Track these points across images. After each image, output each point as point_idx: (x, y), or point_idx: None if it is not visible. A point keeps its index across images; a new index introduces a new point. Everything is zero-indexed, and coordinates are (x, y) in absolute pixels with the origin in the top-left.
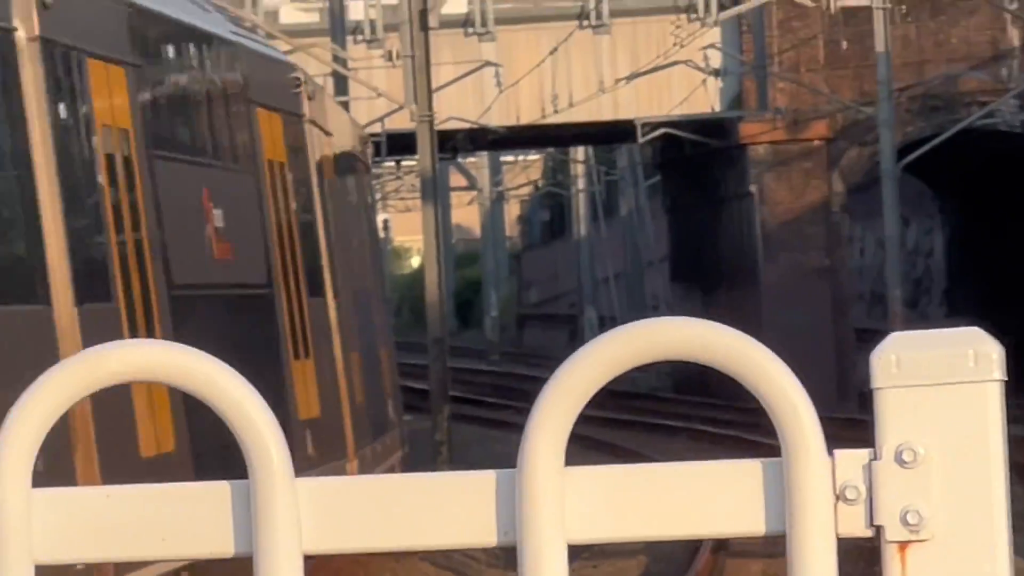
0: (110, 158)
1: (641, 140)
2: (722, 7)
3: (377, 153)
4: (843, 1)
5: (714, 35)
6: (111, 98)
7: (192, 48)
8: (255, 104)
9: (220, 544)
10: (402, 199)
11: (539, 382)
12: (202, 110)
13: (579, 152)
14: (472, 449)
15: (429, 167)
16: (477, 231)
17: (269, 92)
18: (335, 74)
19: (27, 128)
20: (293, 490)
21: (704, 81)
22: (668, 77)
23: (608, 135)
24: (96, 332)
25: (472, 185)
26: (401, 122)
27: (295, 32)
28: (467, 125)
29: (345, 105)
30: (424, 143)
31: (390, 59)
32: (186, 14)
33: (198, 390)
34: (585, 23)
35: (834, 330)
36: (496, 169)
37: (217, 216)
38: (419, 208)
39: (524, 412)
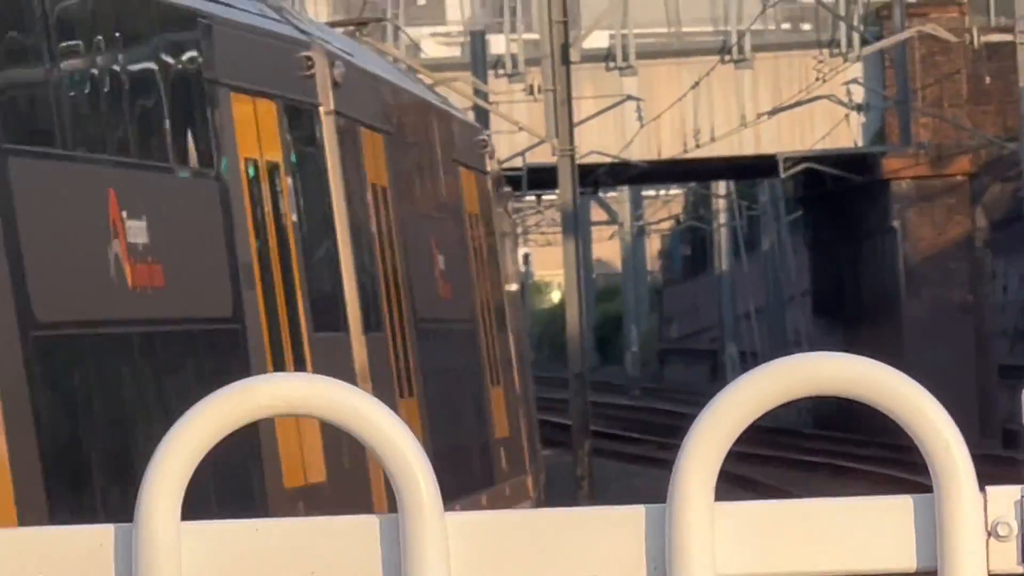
0: (377, 212)
1: (783, 175)
2: (865, 42)
3: (518, 187)
4: (986, 36)
5: (856, 70)
6: (375, 161)
7: (421, 116)
8: (460, 164)
9: None
10: (543, 233)
11: (680, 417)
12: (431, 170)
13: (721, 186)
14: (613, 484)
15: (570, 201)
16: (618, 265)
17: (467, 153)
18: (476, 108)
19: (328, 187)
20: (443, 524)
21: (846, 116)
22: (810, 112)
23: (750, 170)
24: (373, 357)
25: (613, 219)
26: (542, 156)
27: (437, 66)
28: (608, 159)
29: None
30: (565, 177)
31: (532, 93)
32: (415, 87)
33: (347, 424)
34: (727, 57)
35: (976, 366)
36: (637, 203)
37: (441, 261)
38: (560, 242)
39: (665, 447)
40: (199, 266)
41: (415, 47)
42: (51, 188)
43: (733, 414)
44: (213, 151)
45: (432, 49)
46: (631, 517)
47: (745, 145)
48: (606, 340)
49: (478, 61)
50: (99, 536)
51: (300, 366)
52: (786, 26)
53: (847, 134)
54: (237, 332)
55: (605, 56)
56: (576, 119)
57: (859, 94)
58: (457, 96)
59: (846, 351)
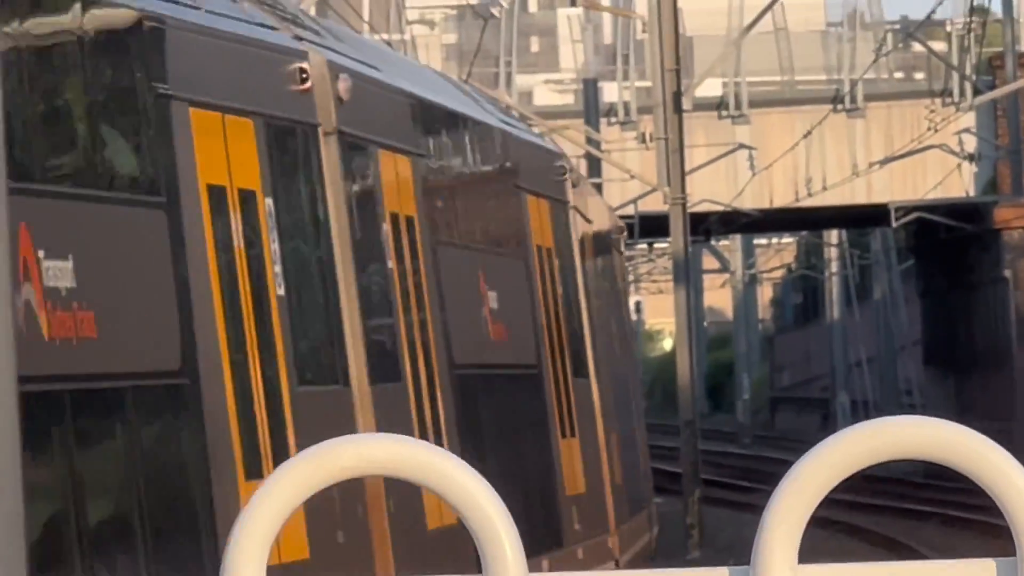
0: (398, 244)
1: (895, 224)
2: (977, 91)
3: (630, 235)
4: None
5: (969, 119)
6: (398, 187)
7: (466, 137)
8: (524, 191)
9: None
10: (654, 281)
11: (790, 466)
12: (478, 197)
13: (832, 235)
14: (723, 533)
15: (682, 249)
16: (729, 314)
17: (537, 179)
18: (589, 156)
19: (327, 216)
20: None
21: (959, 165)
22: (922, 161)
23: (862, 218)
24: (387, 410)
25: (725, 267)
26: (654, 204)
27: (549, 114)
28: (720, 207)
29: (599, 187)
30: (677, 225)
31: (644, 141)
32: (460, 104)
33: (432, 485)
34: (840, 106)
35: None
36: (749, 252)
37: (492, 298)
38: (671, 290)
39: None
40: (138, 312)
41: (528, 95)
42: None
43: (817, 478)
44: (160, 176)
45: (545, 97)
46: None
47: (857, 194)
48: (717, 388)
49: (591, 109)
50: None
51: (277, 423)
52: (899, 75)
53: (959, 183)
54: (186, 388)
55: (718, 104)
56: (688, 167)
57: (971, 143)
58: (570, 144)
59: (957, 401)
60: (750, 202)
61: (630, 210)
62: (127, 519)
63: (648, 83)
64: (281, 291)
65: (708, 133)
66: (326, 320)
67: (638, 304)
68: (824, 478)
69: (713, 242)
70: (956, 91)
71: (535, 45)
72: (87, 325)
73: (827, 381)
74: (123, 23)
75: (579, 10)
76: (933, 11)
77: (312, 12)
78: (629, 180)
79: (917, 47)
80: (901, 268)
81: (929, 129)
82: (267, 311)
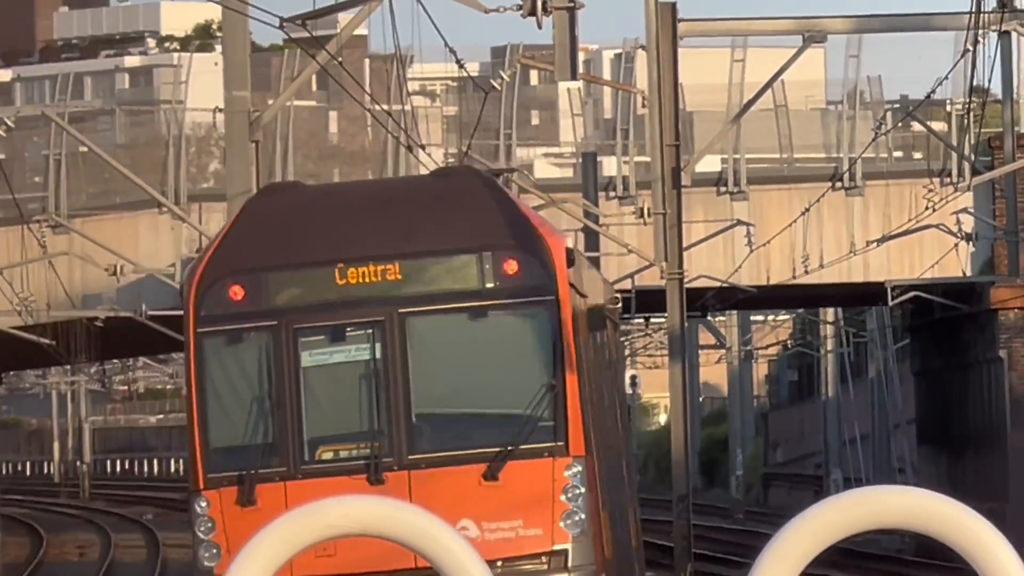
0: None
1: (891, 302)
2: (976, 172)
3: (627, 310)
4: None
5: (967, 199)
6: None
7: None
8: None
9: None
10: (650, 355)
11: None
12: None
13: (829, 313)
14: None
15: (678, 325)
16: (725, 389)
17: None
18: (587, 229)
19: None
20: None
21: (956, 245)
22: (920, 240)
23: (858, 297)
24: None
25: (721, 343)
26: (651, 279)
27: (548, 186)
28: (717, 283)
29: (596, 260)
30: (673, 301)
31: (642, 216)
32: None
33: (418, 546)
34: (838, 184)
35: None
36: (745, 328)
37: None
38: (667, 365)
39: None
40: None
41: (528, 167)
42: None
43: (800, 544)
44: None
45: (544, 170)
46: None
47: (854, 272)
48: (711, 463)
49: (589, 183)
50: None
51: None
52: (898, 154)
53: (956, 263)
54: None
55: (716, 180)
56: (686, 242)
57: (969, 223)
58: (568, 217)
59: (950, 480)
60: (747, 278)
61: (627, 284)
62: None
63: (647, 158)
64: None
65: (706, 209)
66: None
67: (634, 378)
68: (807, 546)
69: (709, 318)
70: (955, 171)
71: (535, 118)
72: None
73: (821, 458)
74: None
75: (580, 84)
76: (933, 91)
77: (314, 84)
78: (627, 254)
79: (916, 126)
80: (896, 347)
81: (927, 208)
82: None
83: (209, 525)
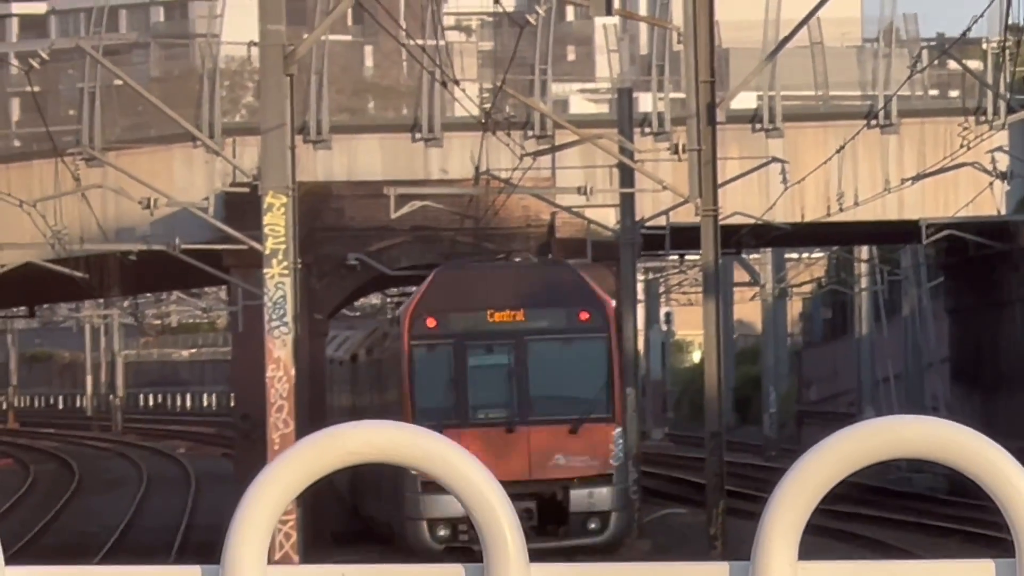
0: None
1: (925, 241)
2: (1011, 110)
3: (661, 246)
4: None
5: (1002, 138)
6: None
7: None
8: None
9: None
10: (684, 293)
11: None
12: None
13: (863, 251)
14: (746, 544)
15: (712, 262)
16: (759, 327)
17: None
18: (621, 165)
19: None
20: (527, 575)
21: (991, 183)
22: (954, 178)
23: (892, 235)
24: None
25: (755, 281)
26: (686, 215)
27: (583, 122)
28: (752, 220)
29: (631, 197)
30: (708, 238)
31: (676, 152)
32: None
33: (435, 472)
34: (873, 122)
35: None
36: (780, 266)
37: None
38: (701, 302)
39: None
40: None
41: (563, 103)
42: None
43: (818, 475)
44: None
45: (580, 105)
46: (715, 573)
47: (888, 210)
48: (745, 401)
49: (624, 119)
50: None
51: None
52: (933, 92)
53: (991, 202)
54: None
55: (751, 117)
56: (721, 179)
57: (1004, 162)
58: (603, 153)
59: (984, 418)
60: (782, 216)
61: (662, 221)
62: None
63: (683, 94)
64: None
65: (741, 146)
66: None
67: (668, 315)
68: (825, 474)
69: (744, 255)
70: (990, 109)
71: (571, 54)
72: None
73: (854, 396)
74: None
75: (616, 20)
76: (968, 29)
77: (349, 19)
78: (661, 191)
79: (952, 64)
80: (931, 285)
81: (962, 147)
82: None
83: None
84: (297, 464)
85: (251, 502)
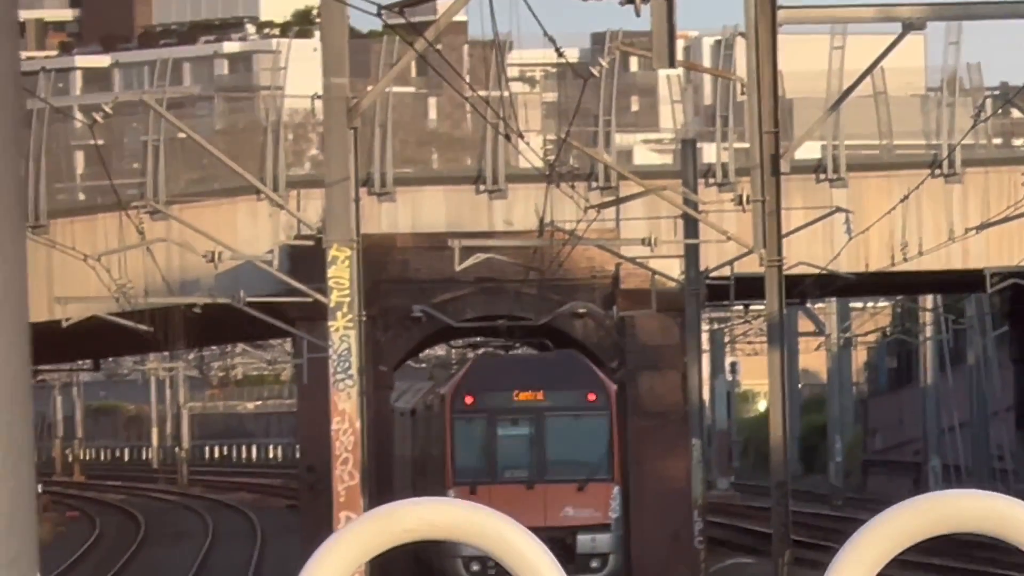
0: None
1: (990, 289)
2: None
3: (725, 297)
4: None
5: None
6: None
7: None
8: None
9: None
10: (750, 343)
11: (848, 538)
12: None
13: (928, 300)
14: None
15: (776, 312)
16: (824, 376)
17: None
18: (685, 216)
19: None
20: None
21: None
22: (1019, 227)
23: (957, 284)
24: None
25: (820, 330)
26: (750, 265)
27: (647, 173)
28: (816, 270)
29: (695, 248)
30: (772, 288)
31: (740, 203)
32: None
33: (493, 550)
34: (937, 171)
35: None
36: (844, 315)
37: None
38: (766, 352)
39: None
40: None
41: (627, 154)
42: None
43: (875, 549)
44: None
45: (644, 156)
46: None
47: (953, 259)
48: (811, 450)
49: (688, 169)
50: None
51: None
52: (997, 141)
53: None
54: None
55: (815, 167)
56: (785, 229)
57: None
58: (667, 205)
59: None
60: (846, 265)
61: (726, 271)
62: None
63: (746, 144)
64: None
65: (805, 195)
66: None
67: (733, 365)
68: (881, 550)
69: (808, 304)
70: None
71: (635, 104)
72: None
73: (919, 445)
74: None
75: (679, 70)
76: None
77: (412, 70)
78: (726, 241)
79: (1016, 113)
80: (995, 334)
81: None
82: None
83: None
84: (353, 542)
85: None
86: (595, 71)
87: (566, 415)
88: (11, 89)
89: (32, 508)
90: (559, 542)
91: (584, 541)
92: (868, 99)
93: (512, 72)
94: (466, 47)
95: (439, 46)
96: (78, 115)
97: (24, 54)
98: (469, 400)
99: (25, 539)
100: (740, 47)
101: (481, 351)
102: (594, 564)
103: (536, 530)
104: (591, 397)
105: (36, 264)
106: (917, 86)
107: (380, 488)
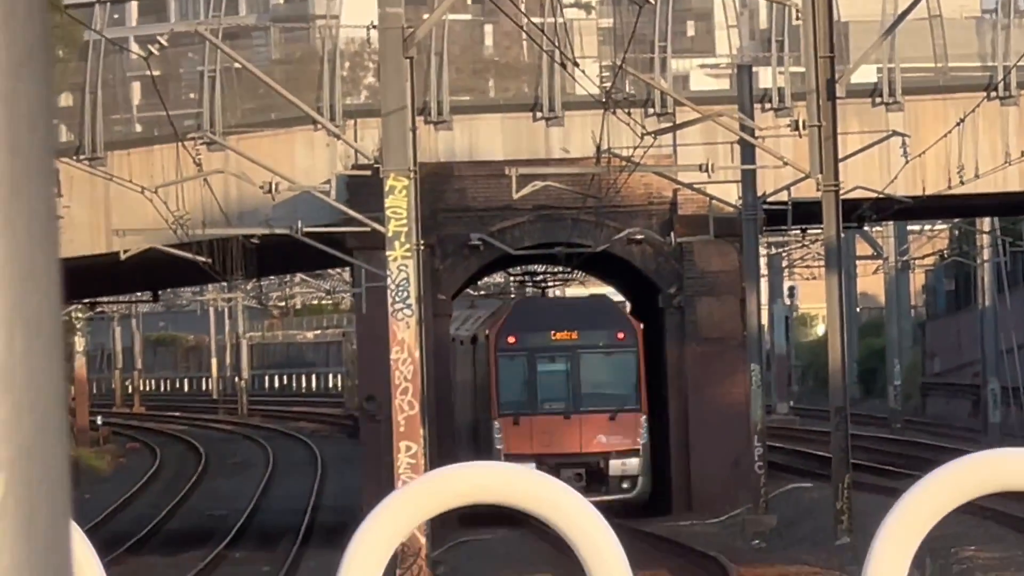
0: None
1: None
2: None
3: (783, 221)
4: None
5: None
6: None
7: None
8: None
9: None
10: (808, 267)
11: (941, 452)
12: None
13: (985, 222)
14: (872, 518)
15: (834, 236)
16: (882, 299)
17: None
18: (742, 142)
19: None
20: None
21: None
22: None
23: (1014, 206)
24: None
25: (878, 254)
26: (807, 191)
27: (703, 99)
28: (873, 194)
29: (752, 174)
30: (829, 212)
31: (797, 128)
32: None
33: (544, 513)
34: (993, 94)
35: None
36: (902, 238)
37: None
38: (824, 276)
39: None
40: None
41: (683, 79)
42: None
43: (925, 508)
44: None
45: (700, 82)
46: None
47: (1009, 181)
48: (869, 374)
49: (745, 95)
50: None
51: None
52: None
53: None
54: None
55: (871, 91)
56: (841, 154)
57: None
58: (723, 131)
59: None
60: (903, 189)
61: (784, 196)
62: None
63: (802, 69)
64: None
65: (861, 120)
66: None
67: (792, 289)
68: (932, 508)
69: (866, 228)
70: None
71: (691, 29)
72: None
73: (978, 367)
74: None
75: None
76: None
77: None
78: (783, 167)
79: None
80: None
81: None
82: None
83: (499, 436)
84: (406, 505)
85: (360, 544)
86: None
87: (598, 352)
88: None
89: (64, 443)
90: (593, 466)
91: (615, 465)
92: (923, 22)
93: None
94: None
95: None
96: (134, 47)
97: None
98: (511, 340)
99: (57, 475)
100: None
101: (518, 296)
102: (625, 485)
103: (572, 456)
104: (620, 336)
105: (94, 196)
106: (972, 8)
107: (440, 417)
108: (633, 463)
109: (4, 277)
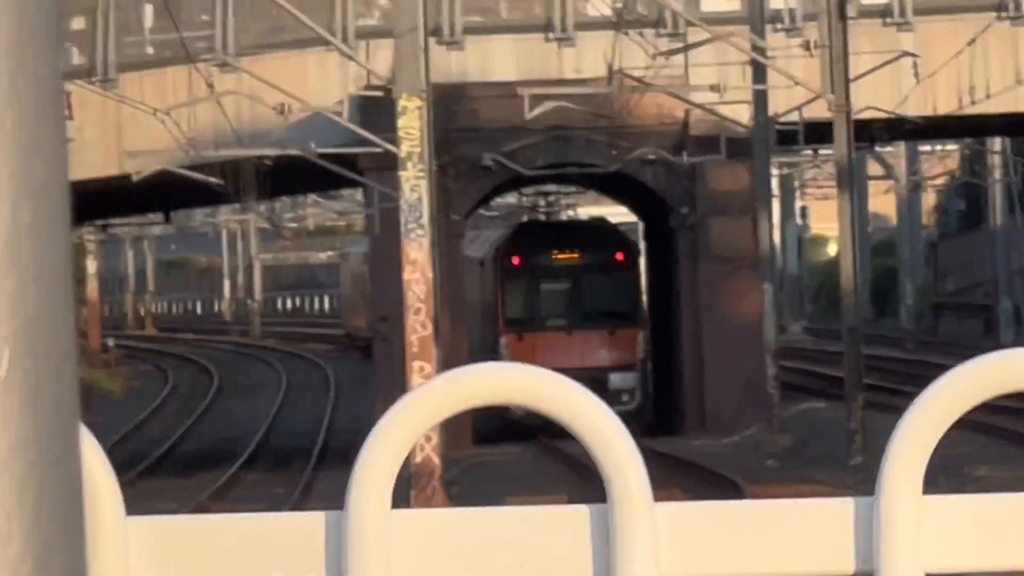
0: None
1: None
2: None
3: (795, 142)
4: None
5: None
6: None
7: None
8: None
9: (565, 568)
10: (819, 187)
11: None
12: None
13: (996, 142)
14: (886, 438)
15: (845, 156)
16: (894, 220)
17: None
18: (753, 62)
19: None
20: (652, 515)
21: None
22: None
23: None
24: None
25: (889, 174)
26: (818, 111)
27: (715, 20)
28: (884, 115)
29: (763, 94)
30: (840, 133)
31: (808, 48)
32: None
33: (557, 414)
34: (1003, 14)
35: None
36: (913, 159)
37: None
38: (836, 196)
39: None
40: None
41: (695, 1)
42: None
43: (940, 410)
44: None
45: (711, 2)
46: (839, 509)
47: (1020, 102)
48: (881, 294)
49: (756, 16)
50: (311, 523)
51: None
52: None
53: None
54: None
55: (882, 12)
56: (852, 75)
57: None
58: (735, 51)
59: None
60: (914, 109)
61: (795, 116)
62: None
63: None
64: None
65: (872, 40)
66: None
67: (804, 210)
68: (947, 410)
69: (877, 149)
70: None
71: None
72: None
73: (990, 287)
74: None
75: None
76: None
77: None
78: (794, 87)
79: None
80: None
81: None
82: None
83: (505, 352)
84: (417, 410)
85: (372, 449)
86: None
87: (598, 272)
88: None
89: (70, 317)
90: (594, 380)
91: (615, 379)
92: None
93: None
94: None
95: None
96: None
97: None
98: (516, 260)
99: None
100: None
101: (525, 219)
102: (624, 398)
103: (573, 370)
104: (619, 256)
105: (106, 119)
106: None
107: (455, 338)
108: (631, 377)
109: (10, 147)
